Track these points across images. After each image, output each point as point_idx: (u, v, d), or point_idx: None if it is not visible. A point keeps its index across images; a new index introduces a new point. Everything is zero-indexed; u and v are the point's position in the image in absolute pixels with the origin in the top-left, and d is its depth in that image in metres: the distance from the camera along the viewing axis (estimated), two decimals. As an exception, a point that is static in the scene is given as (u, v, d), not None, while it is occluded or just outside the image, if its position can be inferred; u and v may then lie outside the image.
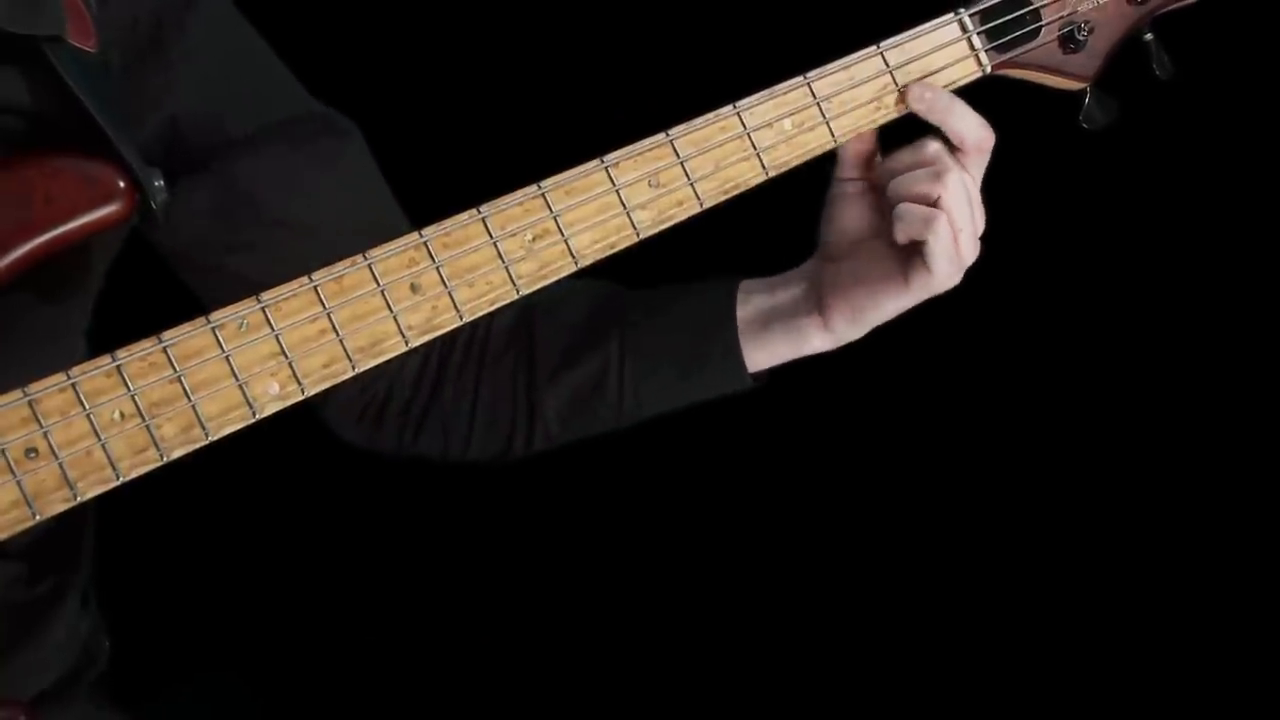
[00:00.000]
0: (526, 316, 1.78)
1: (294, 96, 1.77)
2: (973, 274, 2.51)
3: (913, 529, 2.94)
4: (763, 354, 1.76)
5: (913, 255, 1.69)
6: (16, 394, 1.49)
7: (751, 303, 1.76)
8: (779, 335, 1.74)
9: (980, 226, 1.71)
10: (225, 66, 1.72)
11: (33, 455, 1.49)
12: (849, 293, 1.72)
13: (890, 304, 1.71)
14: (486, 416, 1.79)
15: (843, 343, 1.75)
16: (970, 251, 1.70)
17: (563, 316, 1.78)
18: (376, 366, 1.58)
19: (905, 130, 1.73)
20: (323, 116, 1.77)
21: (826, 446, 2.91)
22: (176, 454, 1.53)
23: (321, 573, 2.76)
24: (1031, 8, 1.75)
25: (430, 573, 2.85)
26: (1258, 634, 2.87)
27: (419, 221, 1.60)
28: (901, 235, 1.68)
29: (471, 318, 1.61)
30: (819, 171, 1.74)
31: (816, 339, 1.74)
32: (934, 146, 1.69)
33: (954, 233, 1.67)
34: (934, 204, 1.67)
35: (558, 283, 1.63)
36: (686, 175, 1.66)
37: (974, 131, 1.69)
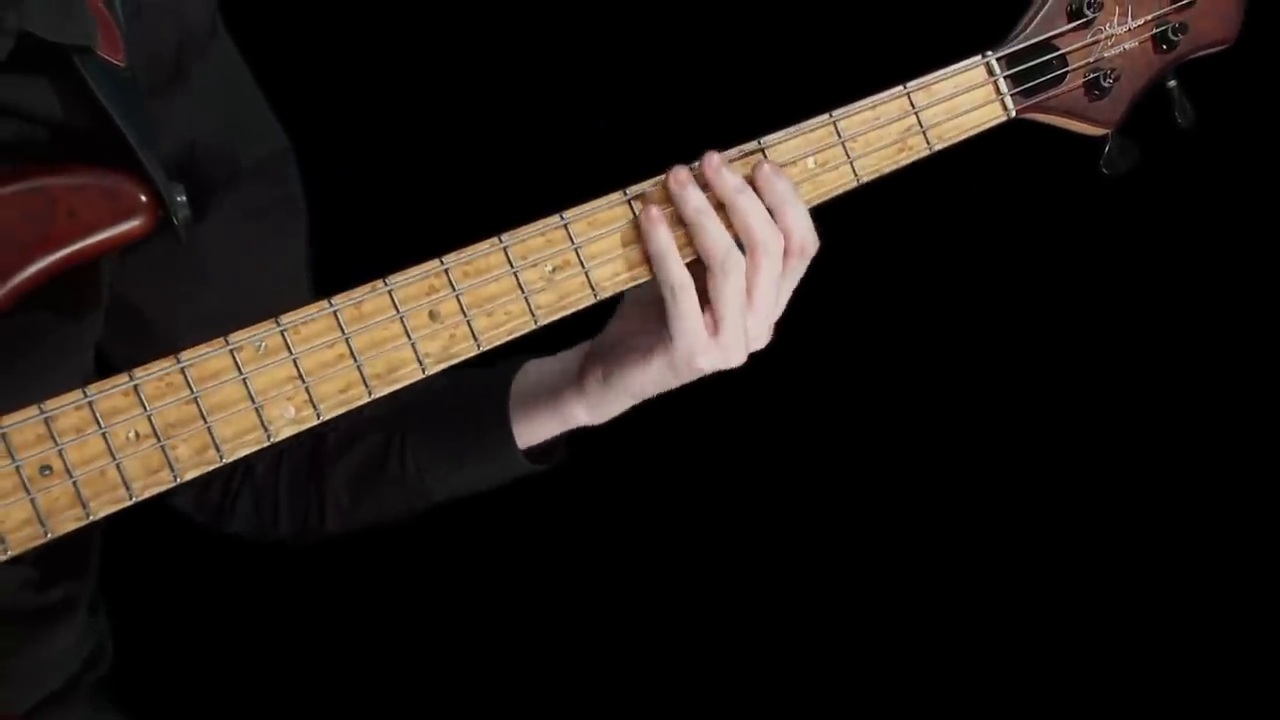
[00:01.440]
0: None
1: (278, 133, 1.79)
2: (992, 309, 2.52)
3: (912, 529, 2.94)
4: (533, 429, 1.73)
5: (664, 325, 1.62)
6: (33, 410, 1.48)
7: (528, 378, 1.74)
8: (542, 406, 1.71)
9: (758, 337, 1.63)
10: (237, 98, 1.74)
11: (47, 473, 1.48)
12: (606, 355, 1.68)
13: (636, 372, 1.65)
14: (288, 488, 1.81)
15: (603, 413, 1.70)
16: (730, 348, 1.61)
17: None
18: None
19: (928, 171, 1.73)
20: (290, 187, 1.78)
21: (826, 446, 2.91)
22: (190, 475, 1.53)
23: (322, 579, 2.76)
24: (1058, 53, 1.75)
25: (436, 585, 2.85)
26: (1258, 634, 2.88)
27: (440, 249, 1.60)
28: (661, 289, 1.61)
29: (489, 347, 1.61)
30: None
31: (575, 407, 1.70)
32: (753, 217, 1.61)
33: (713, 315, 1.60)
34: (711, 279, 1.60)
35: None
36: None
37: (804, 232, 1.62)
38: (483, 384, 1.75)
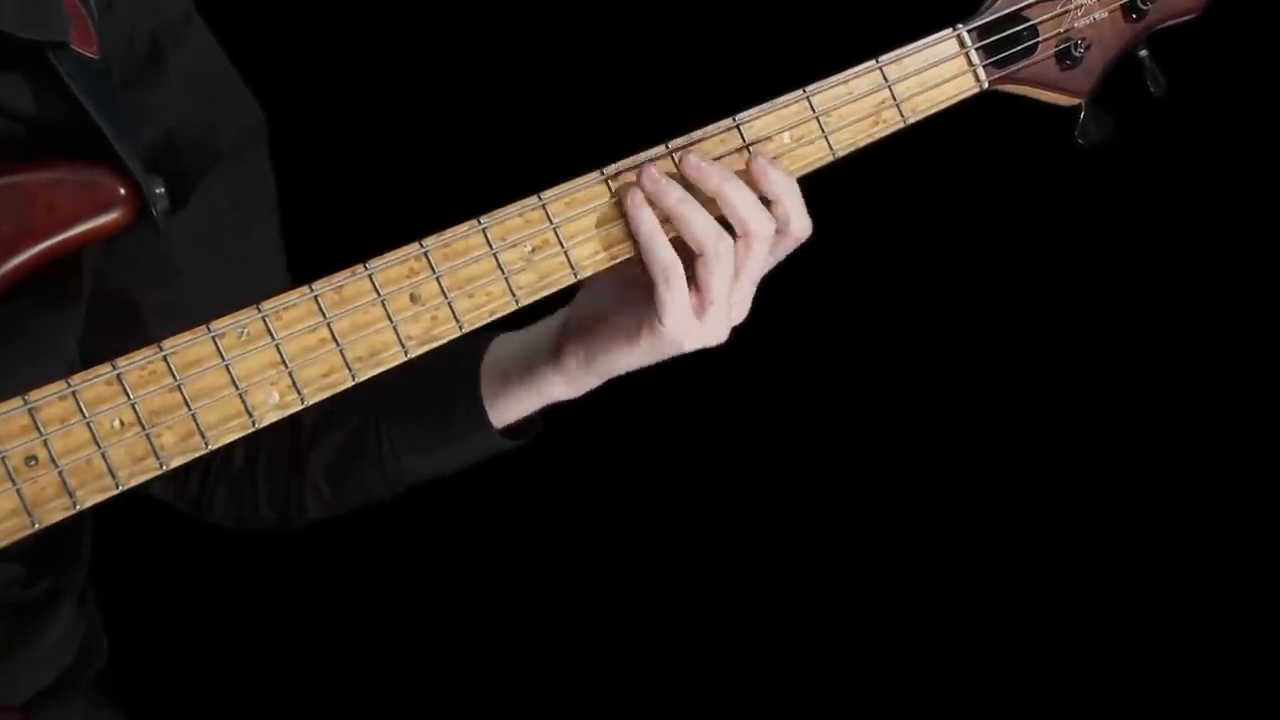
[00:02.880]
0: None
1: (251, 105, 1.79)
2: (975, 280, 2.53)
3: (913, 529, 2.94)
4: (510, 406, 1.73)
5: (650, 306, 1.63)
6: (17, 401, 1.49)
7: (500, 354, 1.73)
8: (518, 383, 1.71)
9: (739, 313, 1.64)
10: (212, 85, 1.74)
11: (32, 463, 1.49)
12: (587, 335, 1.68)
13: (620, 354, 1.65)
14: (266, 477, 1.81)
15: (581, 389, 1.71)
16: (714, 327, 1.63)
17: None
18: None
19: (901, 143, 1.73)
20: (262, 169, 1.78)
21: (827, 446, 2.91)
22: (176, 463, 1.53)
23: (318, 572, 2.76)
24: (1029, 24, 1.76)
25: (434, 578, 2.85)
26: (1258, 634, 2.88)
27: (420, 232, 1.61)
28: (651, 273, 1.62)
29: (471, 328, 1.61)
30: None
31: (554, 384, 1.70)
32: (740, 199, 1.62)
33: (700, 297, 1.61)
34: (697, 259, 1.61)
35: None
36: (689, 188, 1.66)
37: (800, 220, 1.64)
38: (454, 362, 1.74)
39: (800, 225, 1.65)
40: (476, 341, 1.75)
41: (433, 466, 1.77)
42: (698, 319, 1.62)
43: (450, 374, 1.74)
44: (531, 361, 1.72)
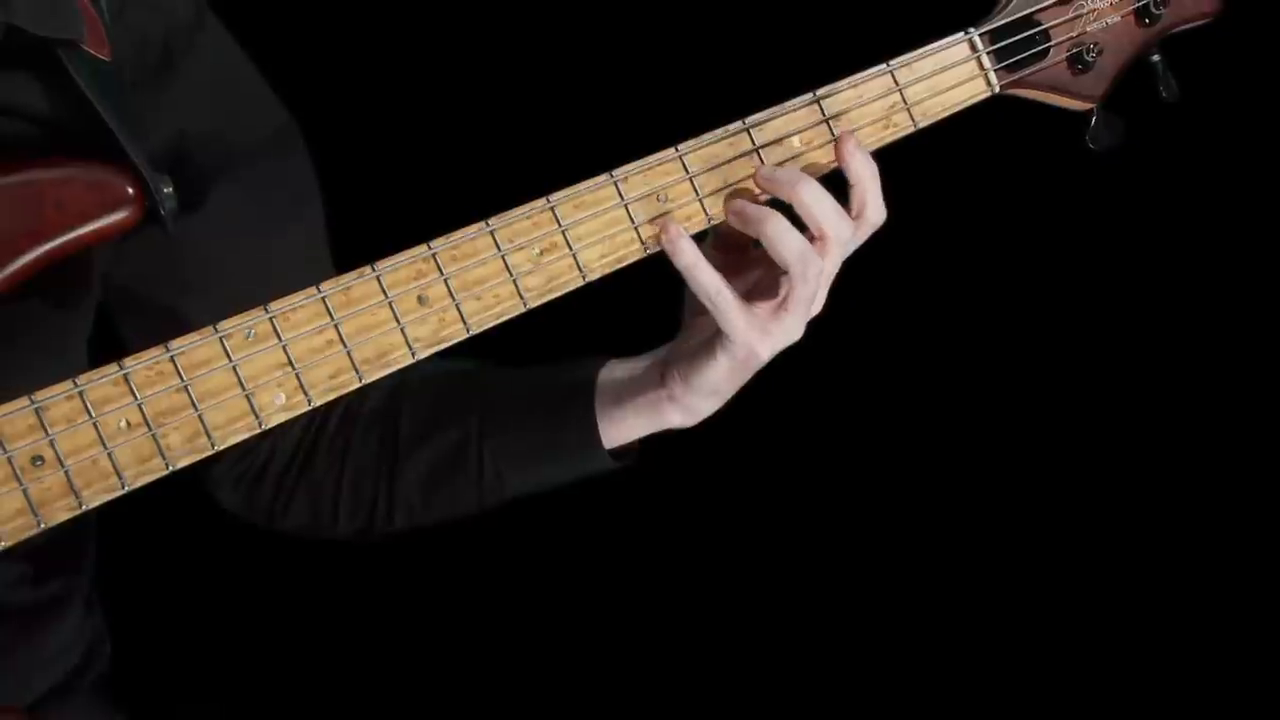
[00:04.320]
0: (396, 390, 1.78)
1: (277, 110, 1.79)
2: (985, 287, 2.51)
3: (912, 529, 2.94)
4: (620, 430, 1.73)
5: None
6: (23, 401, 1.49)
7: (612, 380, 1.74)
8: (632, 410, 1.72)
9: (816, 308, 1.65)
10: (229, 86, 1.74)
11: (39, 463, 1.49)
12: (681, 360, 1.69)
13: (708, 370, 1.66)
14: (351, 486, 1.79)
15: (696, 415, 1.71)
16: (791, 329, 1.64)
17: (428, 391, 1.78)
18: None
19: (912, 149, 1.73)
20: (293, 163, 1.78)
21: (826, 447, 2.91)
22: (182, 463, 1.54)
23: (320, 578, 2.76)
24: (1041, 28, 1.75)
25: (441, 580, 2.85)
26: (1258, 634, 2.88)
27: (428, 234, 1.60)
28: (699, 299, 1.64)
29: (478, 330, 1.61)
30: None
31: (669, 412, 1.71)
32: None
33: (780, 309, 1.62)
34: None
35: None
36: (695, 191, 1.66)
37: (877, 209, 1.65)
38: (567, 380, 1.75)
39: (876, 211, 1.65)
40: (589, 362, 1.76)
41: (533, 483, 1.76)
42: (768, 327, 1.63)
43: (563, 391, 1.74)
44: (643, 386, 1.71)
